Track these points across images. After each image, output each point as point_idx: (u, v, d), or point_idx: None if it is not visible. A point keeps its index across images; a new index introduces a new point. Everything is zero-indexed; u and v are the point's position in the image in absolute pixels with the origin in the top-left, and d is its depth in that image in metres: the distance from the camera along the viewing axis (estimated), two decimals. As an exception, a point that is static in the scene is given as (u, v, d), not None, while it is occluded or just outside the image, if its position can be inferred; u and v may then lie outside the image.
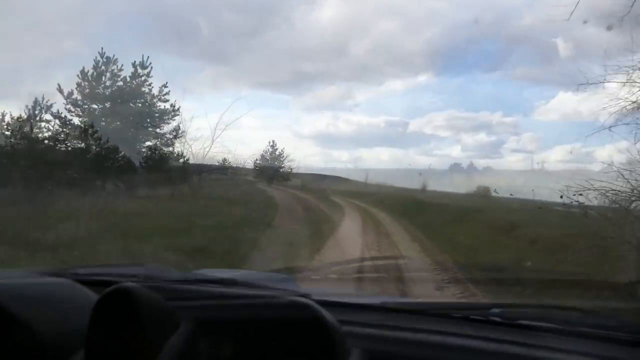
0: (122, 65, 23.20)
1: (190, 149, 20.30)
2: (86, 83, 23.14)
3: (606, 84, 7.14)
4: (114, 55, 22.76)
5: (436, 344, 0.97)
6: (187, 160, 19.98)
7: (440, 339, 0.99)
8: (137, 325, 0.74)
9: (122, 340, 0.73)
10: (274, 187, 29.92)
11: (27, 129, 16.12)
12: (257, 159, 38.42)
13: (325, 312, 0.76)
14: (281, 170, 40.70)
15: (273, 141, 39.98)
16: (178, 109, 22.22)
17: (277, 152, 41.48)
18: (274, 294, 0.88)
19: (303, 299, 0.79)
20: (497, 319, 1.13)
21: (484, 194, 18.85)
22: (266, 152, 41.96)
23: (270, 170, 38.17)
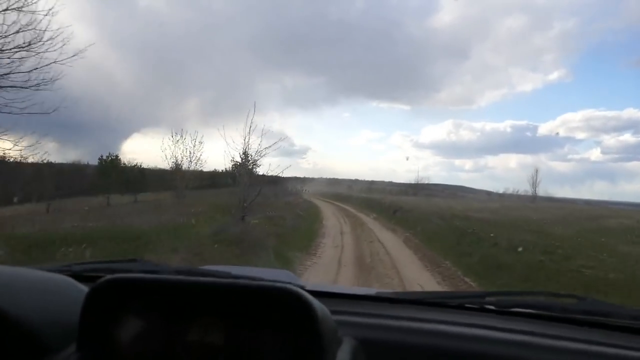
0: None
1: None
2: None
3: None
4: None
5: (431, 331, 0.97)
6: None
7: (435, 327, 0.99)
8: (128, 315, 0.77)
9: (113, 331, 0.76)
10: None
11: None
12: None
13: (313, 300, 0.75)
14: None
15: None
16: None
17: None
18: (264, 284, 0.80)
19: (292, 287, 0.76)
20: (492, 307, 1.14)
21: None
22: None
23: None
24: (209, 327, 0.76)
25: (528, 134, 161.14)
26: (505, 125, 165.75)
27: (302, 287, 0.98)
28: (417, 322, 1.01)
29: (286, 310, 0.73)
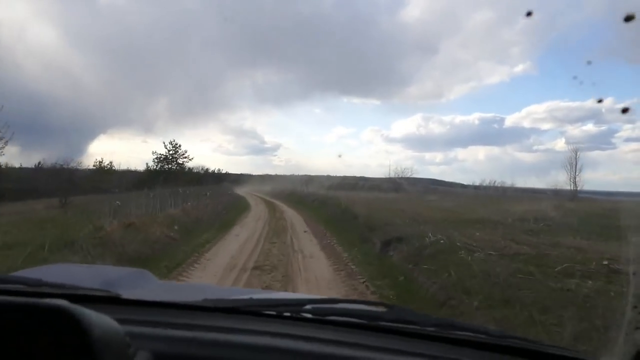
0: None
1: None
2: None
3: None
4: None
5: (235, 343, 0.95)
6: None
7: (242, 338, 0.97)
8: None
9: None
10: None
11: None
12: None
13: (90, 316, 0.68)
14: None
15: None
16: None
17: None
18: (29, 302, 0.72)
19: (62, 303, 0.69)
20: (309, 315, 1.14)
21: None
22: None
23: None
24: None
25: (495, 126, 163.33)
26: (474, 118, 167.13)
27: (118, 296, 1.12)
28: (225, 333, 0.98)
29: (60, 328, 0.67)
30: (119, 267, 3.07)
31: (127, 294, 1.16)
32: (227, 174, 66.55)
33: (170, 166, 43.13)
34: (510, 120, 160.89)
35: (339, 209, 17.97)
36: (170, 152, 43.44)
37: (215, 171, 65.87)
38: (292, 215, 19.65)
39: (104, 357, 0.65)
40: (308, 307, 1.16)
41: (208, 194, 23.53)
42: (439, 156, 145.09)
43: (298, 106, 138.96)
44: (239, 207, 23.94)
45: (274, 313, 1.14)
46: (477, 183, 46.36)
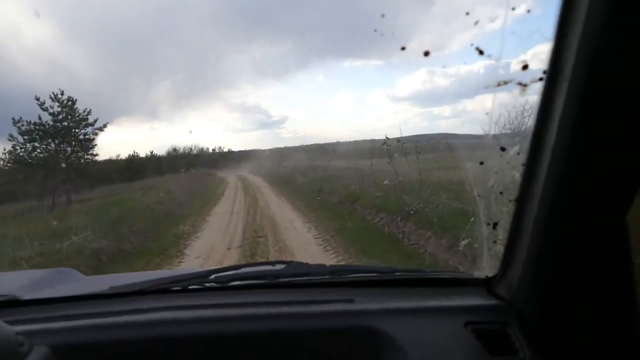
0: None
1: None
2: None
3: None
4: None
5: (146, 322, 0.96)
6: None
7: (153, 316, 0.98)
8: None
9: None
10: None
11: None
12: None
13: None
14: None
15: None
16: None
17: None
18: None
19: None
20: (213, 284, 1.18)
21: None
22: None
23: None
24: None
25: (501, 71, 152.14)
26: (479, 67, 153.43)
27: (17, 299, 1.09)
28: (131, 314, 0.99)
29: None
30: (41, 270, 2.87)
31: (38, 294, 1.19)
32: (230, 152, 61.75)
33: (62, 145, 22.18)
34: (516, 64, 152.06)
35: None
36: (61, 116, 21.73)
37: (217, 150, 60.36)
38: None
39: None
40: (212, 277, 1.19)
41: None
42: (447, 110, 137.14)
43: (299, 76, 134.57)
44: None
45: (179, 288, 1.17)
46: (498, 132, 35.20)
